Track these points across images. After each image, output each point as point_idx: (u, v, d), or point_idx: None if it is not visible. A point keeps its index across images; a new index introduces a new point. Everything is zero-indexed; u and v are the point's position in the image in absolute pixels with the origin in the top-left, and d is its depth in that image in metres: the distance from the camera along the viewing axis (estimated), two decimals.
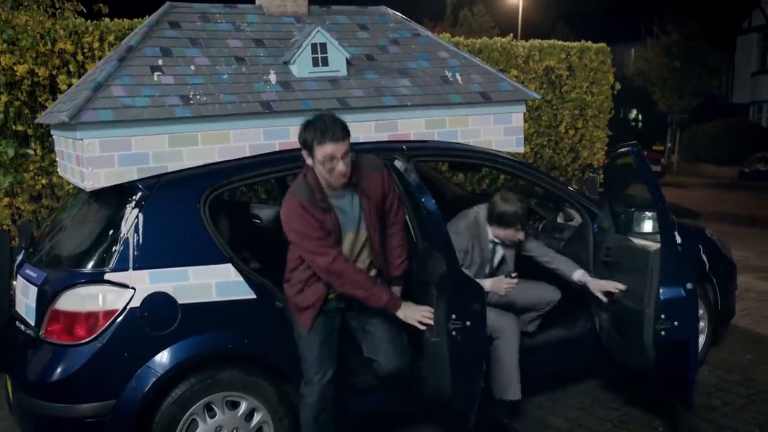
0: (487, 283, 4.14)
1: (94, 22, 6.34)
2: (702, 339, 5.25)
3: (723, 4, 31.64)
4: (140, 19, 6.45)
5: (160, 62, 3.89)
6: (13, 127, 6.01)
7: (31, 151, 6.00)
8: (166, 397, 3.45)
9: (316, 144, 3.18)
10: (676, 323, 3.82)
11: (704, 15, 26.96)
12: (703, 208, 13.34)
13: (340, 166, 3.23)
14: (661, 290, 3.84)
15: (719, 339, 5.88)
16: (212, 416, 3.56)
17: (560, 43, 8.91)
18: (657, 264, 3.90)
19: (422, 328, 3.52)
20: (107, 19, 6.43)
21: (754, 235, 11.37)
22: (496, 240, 4.29)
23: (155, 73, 3.82)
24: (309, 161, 3.28)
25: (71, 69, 6.11)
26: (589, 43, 9.06)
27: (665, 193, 4.17)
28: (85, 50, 6.15)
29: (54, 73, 6.07)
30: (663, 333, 3.83)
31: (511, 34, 9.03)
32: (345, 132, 3.25)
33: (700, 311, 5.19)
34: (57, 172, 6.01)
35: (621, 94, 9.58)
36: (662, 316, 3.82)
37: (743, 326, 6.35)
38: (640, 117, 37.05)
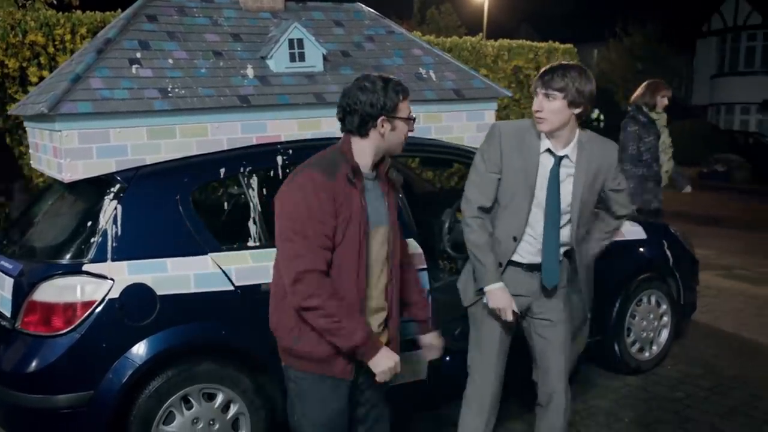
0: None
1: (66, 14, 6.31)
2: (666, 333, 5.40)
3: (683, 8, 32.22)
4: (112, 12, 6.45)
5: (138, 55, 3.89)
6: None
7: None
8: (144, 389, 3.44)
9: (402, 101, 2.74)
10: None
11: (665, 18, 27.43)
12: (664, 207, 13.56)
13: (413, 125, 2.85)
14: None
15: (682, 333, 6.04)
16: (189, 408, 3.57)
17: (528, 43, 9.05)
18: None
19: (380, 380, 2.77)
20: (79, 12, 6.41)
21: (714, 234, 11.61)
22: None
23: (133, 66, 3.82)
24: (384, 129, 2.71)
25: (42, 61, 6.08)
26: (557, 44, 9.23)
27: None
28: (56, 42, 6.12)
29: (24, 65, 6.04)
30: None
31: (481, 34, 9.15)
32: None
33: (664, 306, 5.36)
34: (27, 166, 5.99)
35: None
36: None
37: (704, 322, 6.53)
38: (602, 117, 37.53)
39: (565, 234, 3.23)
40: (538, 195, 3.13)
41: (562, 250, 3.28)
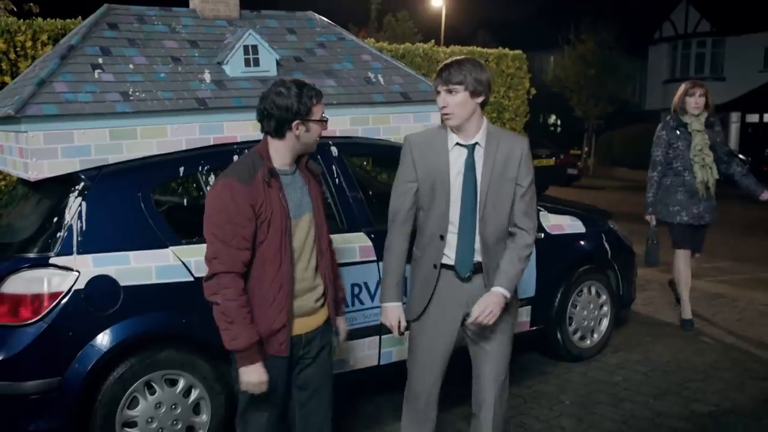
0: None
1: (27, 21, 6.45)
2: (606, 322, 5.73)
3: (636, 16, 33.00)
4: (73, 19, 6.61)
5: (100, 60, 4.09)
6: None
7: None
8: (109, 376, 3.64)
9: (316, 103, 2.93)
10: None
11: (618, 25, 28.04)
12: (616, 209, 13.95)
13: (326, 125, 3.06)
14: None
15: (622, 324, 6.38)
16: (152, 393, 3.77)
17: (479, 49, 9.37)
18: None
19: (243, 389, 2.96)
20: (40, 19, 6.55)
21: (663, 233, 12.00)
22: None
23: (96, 71, 4.02)
24: (298, 131, 2.91)
25: (3, 67, 6.23)
26: (507, 50, 9.55)
27: (582, 196, 4.61)
28: (18, 49, 6.28)
29: None
30: None
31: (433, 41, 9.45)
32: None
33: (603, 297, 5.68)
34: None
35: (540, 99, 10.07)
36: None
37: (645, 313, 6.90)
38: (558, 122, 38.15)
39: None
40: (454, 189, 3.17)
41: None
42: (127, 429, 3.72)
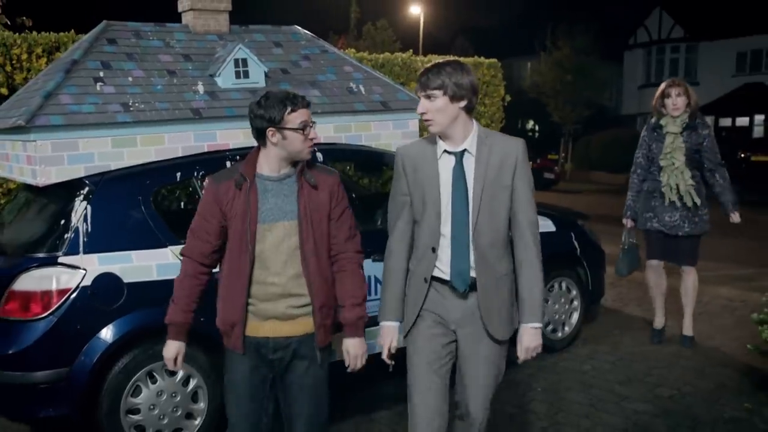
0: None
1: (22, 35, 6.71)
2: (576, 315, 6.08)
3: (611, 22, 33.54)
4: (66, 33, 6.88)
5: (101, 74, 4.39)
6: None
7: None
8: (114, 366, 3.95)
9: (290, 113, 2.96)
10: None
11: (594, 31, 28.53)
12: (592, 211, 14.34)
13: (314, 133, 3.07)
14: None
15: (593, 318, 6.74)
16: (154, 382, 4.08)
17: (455, 58, 9.71)
18: None
19: (168, 371, 3.35)
20: (34, 33, 6.82)
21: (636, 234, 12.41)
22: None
23: (98, 84, 4.32)
24: (275, 139, 2.98)
25: (0, 79, 6.48)
26: (482, 59, 9.91)
27: (561, 199, 4.93)
28: (14, 61, 6.54)
29: None
30: None
31: (411, 50, 9.79)
32: (308, 102, 3.13)
33: (574, 292, 6.04)
34: None
35: (519, 105, 10.43)
36: None
37: (614, 308, 7.28)
38: (537, 127, 38.64)
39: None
40: (444, 200, 3.03)
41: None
42: (131, 416, 4.02)
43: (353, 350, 3.20)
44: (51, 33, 6.84)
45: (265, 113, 2.97)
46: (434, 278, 3.10)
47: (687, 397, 4.92)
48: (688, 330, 6.11)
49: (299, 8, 39.45)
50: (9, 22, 7.28)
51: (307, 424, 3.19)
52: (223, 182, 3.05)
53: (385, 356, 3.16)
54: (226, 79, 4.71)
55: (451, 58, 9.75)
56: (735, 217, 5.88)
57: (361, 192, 6.70)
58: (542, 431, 4.47)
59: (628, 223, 6.13)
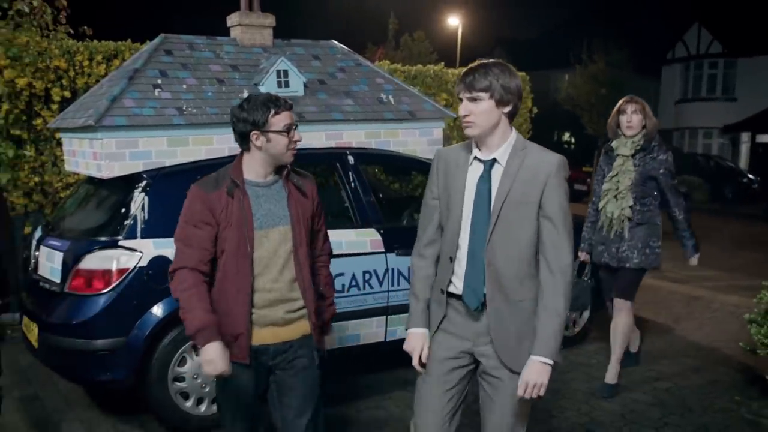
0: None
1: (84, 42, 7.35)
2: (586, 315, 6.50)
3: (649, 36, 33.63)
4: (123, 41, 7.50)
5: (159, 81, 4.96)
6: (11, 131, 6.99)
7: (27, 153, 6.98)
8: (164, 338, 4.47)
9: (273, 115, 2.91)
10: None
11: (629, 46, 28.65)
12: None
13: (298, 135, 3.02)
14: None
15: (604, 319, 7.12)
16: (198, 354, 4.56)
17: (502, 60, 10.19)
18: None
19: (210, 377, 3.11)
20: (95, 41, 7.45)
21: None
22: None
23: (156, 90, 4.89)
24: (259, 142, 2.93)
25: (64, 83, 7.11)
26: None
27: (587, 210, 5.31)
28: (77, 67, 7.16)
29: (48, 86, 7.07)
30: None
31: (443, 63, 10.28)
32: (291, 104, 3.06)
33: None
34: (47, 172, 7.03)
35: (554, 117, 10.80)
36: None
37: None
38: (572, 139, 38.80)
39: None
40: (466, 209, 2.83)
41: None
42: (177, 383, 4.54)
43: (328, 344, 3.35)
44: (110, 42, 7.46)
45: (249, 116, 2.91)
46: (450, 293, 2.90)
47: (682, 390, 5.33)
48: (611, 377, 5.32)
49: (339, 19, 40.16)
50: (72, 31, 7.91)
51: (304, 423, 3.13)
52: (213, 191, 2.97)
53: (415, 363, 2.96)
54: (268, 87, 5.24)
55: (497, 60, 10.22)
56: (693, 261, 5.26)
57: (389, 193, 7.21)
58: (544, 412, 4.91)
59: (582, 256, 5.48)
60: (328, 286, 3.33)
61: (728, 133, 31.62)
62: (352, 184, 5.19)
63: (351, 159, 5.28)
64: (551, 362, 2.72)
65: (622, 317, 5.31)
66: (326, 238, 3.34)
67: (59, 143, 7.10)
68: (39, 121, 7.05)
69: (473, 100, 2.72)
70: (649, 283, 9.02)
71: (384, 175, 7.98)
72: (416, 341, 2.96)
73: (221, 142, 4.91)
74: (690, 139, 33.46)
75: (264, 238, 2.98)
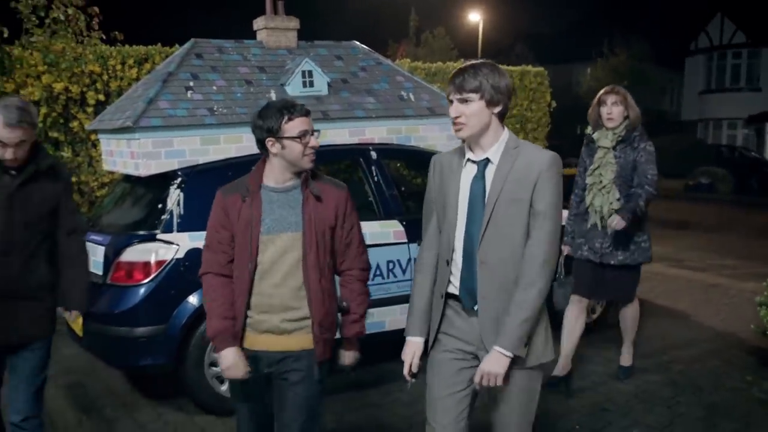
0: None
1: (117, 47, 7.69)
2: (604, 303, 6.70)
3: (672, 27, 33.54)
4: (154, 46, 7.82)
5: (191, 84, 5.25)
6: (49, 134, 7.32)
7: (64, 154, 7.31)
8: (200, 326, 4.69)
9: (287, 122, 2.90)
10: None
11: (653, 37, 28.60)
12: None
13: (315, 141, 2.97)
14: None
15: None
16: None
17: (504, 67, 10.39)
18: None
19: (229, 381, 3.18)
20: (127, 46, 7.78)
21: (681, 236, 12.89)
22: None
23: (188, 92, 5.17)
24: (275, 149, 2.94)
25: (98, 86, 7.44)
26: (529, 67, 10.57)
27: None
28: (110, 71, 7.49)
29: (84, 90, 7.40)
30: None
31: (462, 59, 10.50)
32: (308, 110, 3.03)
33: None
34: (83, 172, 7.36)
35: (576, 110, 10.90)
36: None
37: (645, 298, 7.80)
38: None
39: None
40: (461, 210, 2.84)
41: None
42: (212, 367, 4.81)
43: (348, 360, 3.25)
44: (141, 46, 7.78)
45: (264, 123, 2.93)
46: (449, 294, 2.88)
47: (695, 371, 5.53)
48: (626, 360, 5.48)
49: (360, 17, 40.38)
50: (104, 37, 8.25)
51: None
52: (230, 194, 3.05)
53: (406, 372, 2.94)
54: (294, 87, 5.50)
55: (485, 60, 10.42)
56: (614, 222, 4.76)
57: (411, 186, 7.46)
58: (564, 393, 5.13)
59: (565, 249, 5.25)
60: (355, 302, 3.16)
61: (753, 123, 31.40)
62: (376, 178, 5.44)
63: (374, 154, 5.52)
64: (510, 354, 2.68)
65: (629, 310, 5.40)
66: (360, 251, 3.19)
67: (94, 145, 7.44)
68: (75, 123, 7.39)
69: (464, 101, 2.71)
70: (668, 272, 9.24)
71: (406, 170, 8.24)
72: (411, 349, 2.95)
73: (250, 140, 5.01)
74: (714, 130, 33.34)
75: (270, 242, 2.97)
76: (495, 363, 2.68)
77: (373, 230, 5.16)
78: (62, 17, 7.58)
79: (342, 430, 4.63)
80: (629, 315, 5.41)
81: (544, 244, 2.70)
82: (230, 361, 2.97)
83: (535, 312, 2.70)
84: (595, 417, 4.74)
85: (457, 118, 2.73)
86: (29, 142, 3.29)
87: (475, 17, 31.17)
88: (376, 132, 5.73)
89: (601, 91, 5.02)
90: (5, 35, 6.97)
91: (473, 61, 2.79)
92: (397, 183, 5.85)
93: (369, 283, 3.25)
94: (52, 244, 3.54)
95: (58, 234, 3.55)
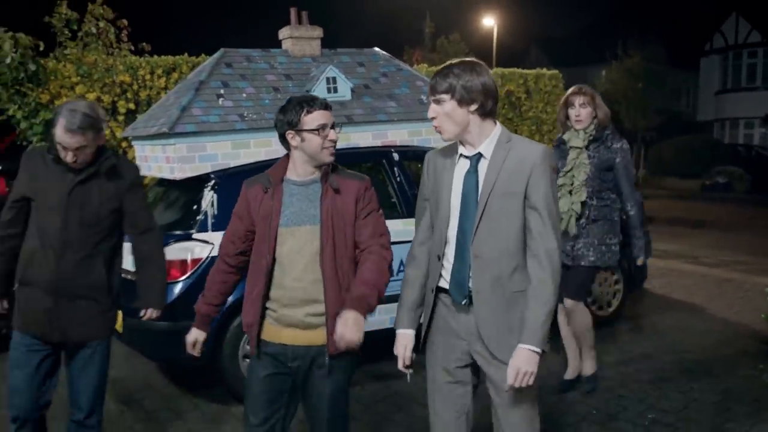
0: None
1: (145, 58, 8.00)
2: (619, 296, 6.92)
3: (686, 28, 33.54)
4: (181, 56, 8.13)
5: (222, 91, 5.54)
6: None
7: None
8: (234, 320, 4.98)
9: (306, 114, 2.92)
10: None
11: (668, 38, 28.59)
12: (660, 214, 15.02)
13: (333, 134, 2.97)
14: None
15: (637, 300, 7.56)
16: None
17: (519, 70, 10.65)
18: None
19: (250, 368, 3.17)
20: (155, 56, 8.10)
21: (697, 234, 13.05)
22: None
23: (220, 99, 5.46)
24: (295, 142, 2.96)
25: (128, 96, 7.76)
26: (544, 70, 10.80)
27: None
28: (139, 81, 7.80)
29: (115, 99, 7.72)
30: None
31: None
32: (328, 104, 3.03)
33: (616, 276, 6.87)
34: None
35: None
36: None
37: (660, 293, 8.07)
38: None
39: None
40: (454, 205, 2.85)
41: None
42: (246, 359, 5.06)
43: (351, 322, 2.83)
44: (169, 56, 8.09)
45: (284, 117, 2.97)
46: (440, 289, 2.92)
47: (709, 360, 5.74)
48: (588, 368, 5.25)
49: (376, 23, 40.72)
50: (133, 48, 8.57)
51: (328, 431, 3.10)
52: (253, 186, 3.10)
53: (400, 366, 2.98)
54: (319, 93, 5.75)
55: (516, 70, 10.73)
56: (640, 262, 5.03)
57: None
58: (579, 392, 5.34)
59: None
60: (369, 270, 2.97)
61: None
62: (398, 179, 5.69)
63: (396, 156, 5.77)
64: (539, 350, 2.70)
65: (577, 318, 5.07)
66: (378, 233, 3.07)
67: (125, 152, 7.74)
68: (107, 131, 7.68)
69: (437, 102, 2.76)
70: (684, 268, 9.43)
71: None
72: (401, 343, 2.97)
73: (278, 145, 5.36)
74: (731, 129, 33.30)
75: (289, 235, 2.98)
76: (527, 361, 2.69)
77: (396, 228, 5.38)
78: (94, 30, 7.91)
79: (370, 420, 4.87)
80: (578, 325, 5.09)
81: (548, 238, 2.73)
82: (193, 338, 3.33)
83: (555, 304, 2.74)
84: (610, 403, 4.96)
85: (433, 118, 2.81)
86: (92, 147, 3.30)
87: (489, 22, 31.39)
88: (398, 135, 5.99)
89: (568, 92, 4.91)
90: (41, 48, 7.30)
91: (452, 61, 2.84)
92: (418, 183, 6.09)
93: (393, 278, 3.17)
94: (115, 246, 3.63)
95: (131, 234, 3.67)
